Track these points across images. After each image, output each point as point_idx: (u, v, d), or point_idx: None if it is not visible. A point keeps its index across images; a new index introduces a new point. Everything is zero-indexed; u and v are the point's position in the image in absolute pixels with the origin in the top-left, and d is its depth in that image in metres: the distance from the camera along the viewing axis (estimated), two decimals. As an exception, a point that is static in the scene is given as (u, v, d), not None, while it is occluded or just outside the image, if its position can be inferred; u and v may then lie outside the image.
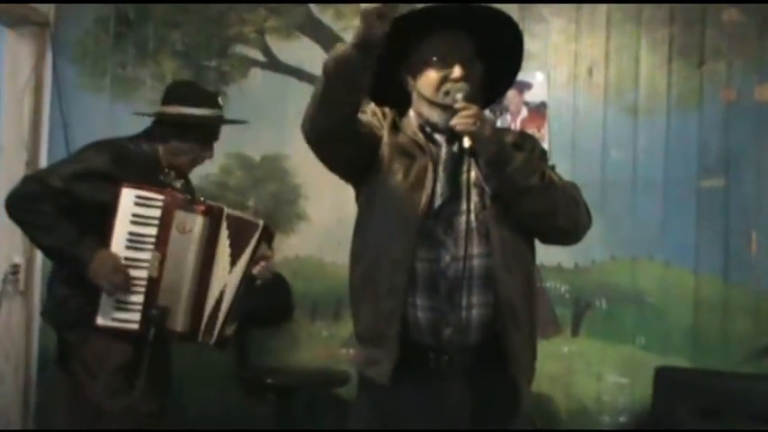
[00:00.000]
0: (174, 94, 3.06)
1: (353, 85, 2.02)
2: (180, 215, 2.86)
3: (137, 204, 2.84)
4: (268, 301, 3.48)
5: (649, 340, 3.58)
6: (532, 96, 3.70)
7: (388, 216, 2.14)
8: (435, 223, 2.11)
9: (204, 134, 3.02)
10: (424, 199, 2.10)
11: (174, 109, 3.00)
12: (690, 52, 3.57)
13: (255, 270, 2.97)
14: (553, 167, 2.30)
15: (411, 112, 2.26)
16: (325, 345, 3.97)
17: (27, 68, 4.31)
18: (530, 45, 3.59)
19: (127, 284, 2.81)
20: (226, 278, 2.90)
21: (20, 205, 2.87)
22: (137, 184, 2.85)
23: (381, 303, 2.10)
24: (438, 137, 2.19)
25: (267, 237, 3.02)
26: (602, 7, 3.67)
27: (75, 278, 2.84)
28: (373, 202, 2.20)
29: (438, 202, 2.11)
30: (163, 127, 3.02)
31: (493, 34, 2.23)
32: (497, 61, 2.26)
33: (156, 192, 2.87)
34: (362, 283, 2.18)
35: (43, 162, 4.24)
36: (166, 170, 3.02)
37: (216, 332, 2.90)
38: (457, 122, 2.03)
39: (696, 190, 3.55)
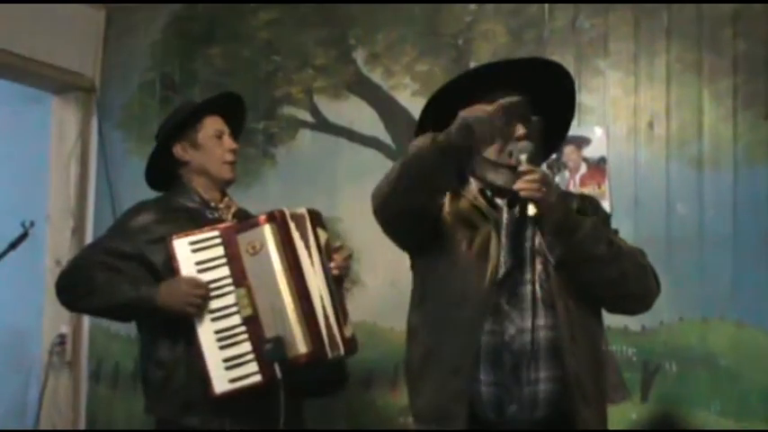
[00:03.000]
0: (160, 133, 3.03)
1: (426, 181, 1.97)
2: (244, 238, 2.59)
3: (195, 251, 2.61)
4: (322, 370, 3.34)
5: (725, 405, 3.37)
6: (591, 152, 3.57)
7: (451, 289, 2.06)
8: (499, 293, 2.02)
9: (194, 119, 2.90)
10: (491, 269, 2.02)
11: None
12: (755, 102, 3.42)
13: (334, 267, 2.75)
14: (616, 232, 2.22)
15: (470, 178, 2.19)
16: (381, 414, 3.81)
17: (73, 135, 4.32)
18: (587, 99, 3.53)
19: (204, 300, 2.57)
20: (318, 279, 2.65)
21: (68, 281, 2.72)
22: (183, 232, 2.65)
23: (447, 382, 2.01)
24: (499, 201, 2.12)
25: (318, 220, 2.81)
26: (662, 59, 3.54)
27: (168, 356, 2.66)
28: (435, 274, 2.12)
29: (501, 270, 2.02)
30: (176, 168, 2.94)
31: (547, 85, 2.18)
32: (552, 112, 2.21)
33: (207, 230, 2.66)
34: (424, 360, 2.10)
35: (90, 228, 4.21)
36: (212, 204, 2.86)
37: (340, 340, 2.67)
38: (521, 187, 1.95)
39: (768, 245, 3.39)
